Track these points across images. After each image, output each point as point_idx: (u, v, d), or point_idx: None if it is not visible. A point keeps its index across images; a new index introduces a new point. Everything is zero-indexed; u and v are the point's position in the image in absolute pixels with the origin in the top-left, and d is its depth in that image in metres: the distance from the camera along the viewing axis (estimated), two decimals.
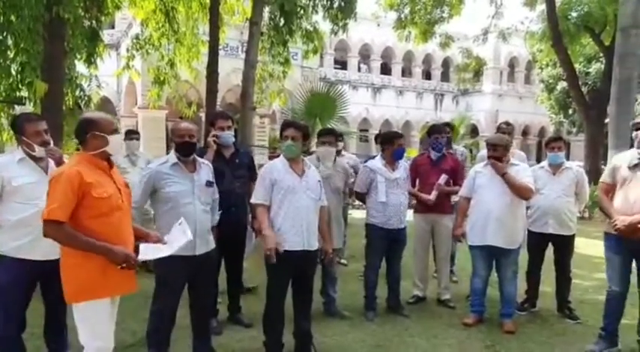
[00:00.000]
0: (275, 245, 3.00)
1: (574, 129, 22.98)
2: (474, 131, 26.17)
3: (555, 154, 4.22)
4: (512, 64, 31.87)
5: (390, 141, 4.19)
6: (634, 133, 3.39)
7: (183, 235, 2.50)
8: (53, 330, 3.11)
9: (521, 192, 3.79)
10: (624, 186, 3.36)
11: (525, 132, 32.69)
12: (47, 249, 2.65)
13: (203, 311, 3.17)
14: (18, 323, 2.91)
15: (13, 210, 2.77)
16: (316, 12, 9.44)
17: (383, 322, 4.05)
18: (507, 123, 4.91)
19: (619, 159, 3.51)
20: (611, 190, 3.49)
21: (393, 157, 4.15)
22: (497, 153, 3.88)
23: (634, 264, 3.43)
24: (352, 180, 4.55)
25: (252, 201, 3.24)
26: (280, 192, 3.12)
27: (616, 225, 3.24)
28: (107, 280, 2.27)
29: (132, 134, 5.81)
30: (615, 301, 3.45)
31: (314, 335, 3.41)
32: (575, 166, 4.31)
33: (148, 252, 2.38)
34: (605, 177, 3.55)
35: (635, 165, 3.31)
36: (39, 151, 2.84)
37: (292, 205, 3.12)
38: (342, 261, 6.03)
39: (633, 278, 3.46)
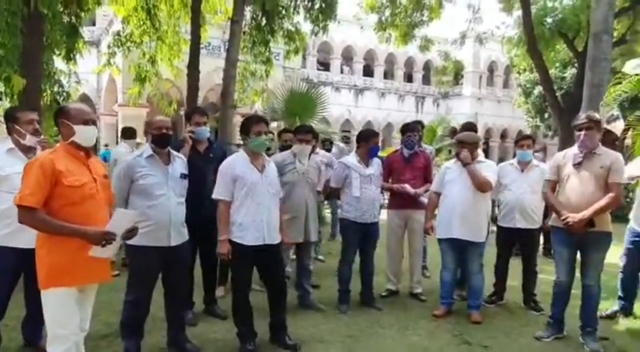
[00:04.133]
0: (227, 251, 3.17)
1: (550, 133, 23.55)
2: (454, 133, 26.50)
3: (524, 152, 4.42)
4: (491, 69, 32.47)
5: (366, 139, 4.32)
6: (576, 133, 3.56)
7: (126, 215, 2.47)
8: (32, 320, 3.16)
9: (481, 185, 3.95)
10: (569, 183, 3.55)
11: (503, 136, 33.29)
12: (34, 237, 2.69)
13: (177, 302, 3.24)
14: (0, 310, 2.96)
15: (0, 199, 2.82)
16: (297, 12, 9.54)
17: (356, 314, 4.16)
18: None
19: (561, 158, 3.70)
20: (555, 187, 3.68)
21: (368, 154, 4.27)
22: (464, 149, 4.06)
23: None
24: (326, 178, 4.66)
25: (214, 196, 3.27)
26: (242, 188, 3.18)
27: (567, 221, 3.41)
28: (75, 269, 2.31)
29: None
30: (562, 291, 3.67)
31: (289, 327, 3.50)
32: (543, 164, 4.49)
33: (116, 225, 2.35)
34: (550, 176, 3.73)
35: (579, 163, 3.50)
36: (29, 139, 2.95)
37: (253, 201, 3.19)
38: (319, 257, 6.14)
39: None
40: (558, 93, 15.56)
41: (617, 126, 5.02)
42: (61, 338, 2.32)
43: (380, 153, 4.75)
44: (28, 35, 5.60)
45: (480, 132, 31.63)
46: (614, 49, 11.86)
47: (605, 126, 4.57)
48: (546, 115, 21.62)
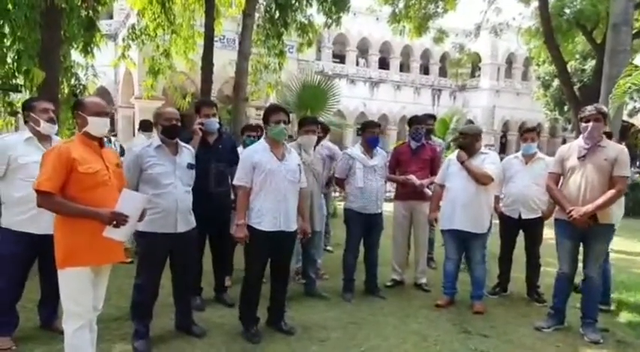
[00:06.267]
0: (244, 236, 3.25)
1: (569, 126, 23.15)
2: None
3: (528, 145, 4.43)
4: (509, 61, 31.93)
5: (364, 130, 4.40)
6: (582, 125, 3.56)
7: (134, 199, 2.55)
8: (47, 302, 3.34)
9: (480, 179, 3.98)
10: (573, 176, 3.56)
11: (521, 129, 32.78)
12: (48, 224, 2.84)
13: (184, 286, 3.38)
14: (17, 292, 3.15)
15: (18, 187, 3.00)
16: (310, 5, 9.57)
17: (360, 302, 4.26)
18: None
19: (566, 151, 3.71)
20: (559, 180, 3.70)
21: (367, 144, 4.33)
22: (467, 141, 4.10)
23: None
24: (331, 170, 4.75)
25: (234, 182, 3.42)
26: (261, 174, 3.29)
27: (571, 215, 3.43)
28: (90, 250, 2.45)
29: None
30: (563, 281, 3.70)
31: (294, 314, 3.61)
32: (547, 157, 4.49)
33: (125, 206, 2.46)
34: (554, 168, 3.74)
35: (584, 156, 3.50)
36: (44, 127, 3.08)
37: (272, 187, 3.29)
38: (328, 247, 6.24)
39: None
40: (578, 86, 15.30)
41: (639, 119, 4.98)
42: (76, 315, 2.48)
43: (392, 146, 4.79)
44: (46, 29, 5.75)
45: (497, 125, 31.29)
46: (634, 41, 11.60)
47: (625, 119, 4.54)
48: (565, 108, 21.24)
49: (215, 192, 3.84)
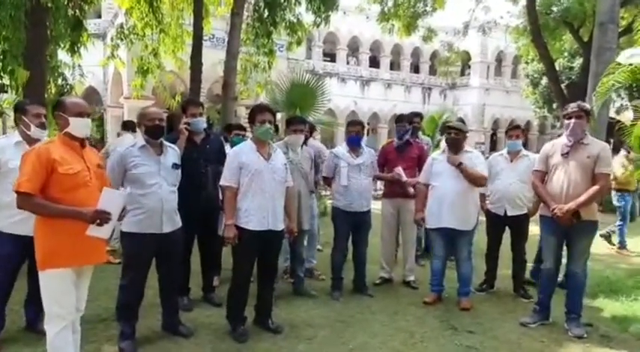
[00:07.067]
0: (234, 236, 3.24)
1: (557, 124, 23.34)
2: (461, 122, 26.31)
3: (513, 142, 4.47)
4: (499, 59, 32.12)
5: (347, 128, 4.44)
6: (565, 122, 3.60)
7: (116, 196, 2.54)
8: (34, 302, 3.30)
9: (476, 181, 4.01)
10: (556, 173, 3.60)
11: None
12: None
13: (170, 287, 3.37)
14: (6, 293, 3.14)
15: (7, 191, 2.96)
16: (299, 3, 9.56)
17: (348, 301, 4.27)
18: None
19: (550, 148, 3.75)
20: (544, 177, 3.73)
21: (350, 143, 4.36)
22: (460, 137, 4.11)
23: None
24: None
25: (221, 183, 3.41)
26: (248, 175, 3.29)
27: (555, 212, 3.47)
28: (70, 251, 2.43)
29: None
30: (549, 277, 3.75)
31: (281, 312, 3.61)
32: (532, 154, 4.53)
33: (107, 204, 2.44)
34: (539, 166, 3.78)
35: (567, 153, 3.54)
36: (34, 131, 3.08)
37: (259, 187, 3.29)
38: (318, 246, 6.24)
39: None
40: (566, 83, 15.42)
41: (626, 116, 5.04)
42: (58, 317, 2.46)
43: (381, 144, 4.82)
44: (31, 28, 5.69)
45: (487, 123, 31.46)
46: (620, 39, 11.73)
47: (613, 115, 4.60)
48: (554, 105, 21.40)
49: (210, 192, 3.84)
